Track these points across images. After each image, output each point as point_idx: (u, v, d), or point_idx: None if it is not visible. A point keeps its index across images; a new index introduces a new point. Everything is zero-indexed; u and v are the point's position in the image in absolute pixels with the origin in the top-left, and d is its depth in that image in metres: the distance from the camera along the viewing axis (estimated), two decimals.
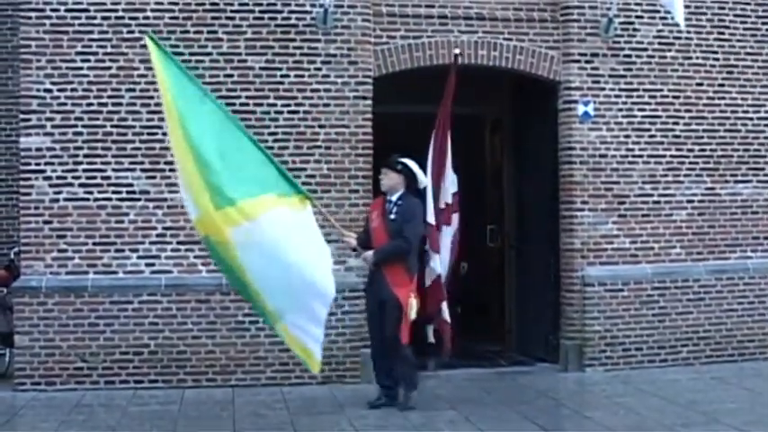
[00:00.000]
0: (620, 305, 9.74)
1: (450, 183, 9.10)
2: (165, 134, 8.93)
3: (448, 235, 9.13)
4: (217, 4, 9.12)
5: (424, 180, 8.45)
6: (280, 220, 7.11)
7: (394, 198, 8.13)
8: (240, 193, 6.98)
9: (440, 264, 8.90)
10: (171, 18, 9.06)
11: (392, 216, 8.07)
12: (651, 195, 9.91)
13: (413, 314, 7.88)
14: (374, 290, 8.08)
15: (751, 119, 10.24)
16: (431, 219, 8.74)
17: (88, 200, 8.94)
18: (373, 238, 8.11)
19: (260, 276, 7.05)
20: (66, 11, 8.94)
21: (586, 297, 9.67)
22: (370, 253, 8.04)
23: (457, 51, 9.24)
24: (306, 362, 7.45)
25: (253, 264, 7.02)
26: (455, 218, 9.19)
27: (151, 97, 8.98)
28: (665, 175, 9.96)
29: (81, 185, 8.92)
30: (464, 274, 10.54)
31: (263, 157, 7.26)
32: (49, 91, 8.91)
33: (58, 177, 8.85)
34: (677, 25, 9.23)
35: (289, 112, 9.18)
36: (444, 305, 8.94)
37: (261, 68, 9.16)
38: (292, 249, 7.09)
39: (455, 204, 9.18)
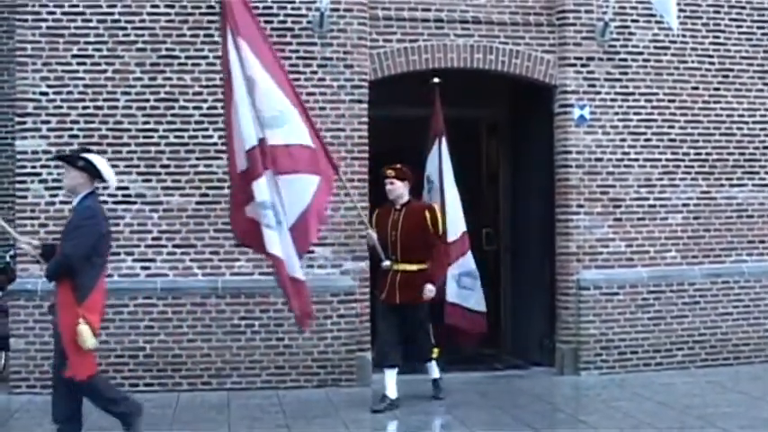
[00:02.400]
0: (615, 309, 9.75)
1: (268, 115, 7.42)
2: (161, 137, 8.99)
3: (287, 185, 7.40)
4: (213, 7, 9.11)
5: (113, 180, 6.81)
6: None
7: (75, 202, 6.66)
8: None
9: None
10: (167, 21, 9.06)
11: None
12: (647, 199, 9.92)
13: (84, 343, 6.37)
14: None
15: (746, 123, 10.26)
16: (239, 163, 7.38)
17: None
18: None
19: None
20: (63, 14, 8.94)
21: (582, 300, 9.68)
22: (45, 266, 6.67)
23: None
24: None
25: None
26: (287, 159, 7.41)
27: (147, 100, 9.00)
28: (661, 179, 9.97)
29: None
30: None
31: None
32: (45, 94, 8.91)
33: (53, 180, 8.81)
34: (672, 29, 9.26)
35: None
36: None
37: None
38: None
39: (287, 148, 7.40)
